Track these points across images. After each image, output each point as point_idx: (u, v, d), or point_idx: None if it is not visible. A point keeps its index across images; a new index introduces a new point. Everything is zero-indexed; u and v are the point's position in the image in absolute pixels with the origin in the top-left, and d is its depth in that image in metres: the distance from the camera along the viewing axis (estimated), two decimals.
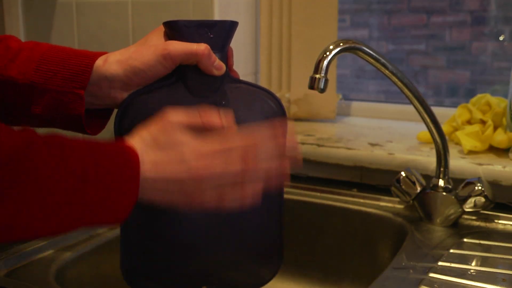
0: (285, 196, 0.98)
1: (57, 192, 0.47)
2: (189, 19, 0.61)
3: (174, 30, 0.60)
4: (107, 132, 0.64)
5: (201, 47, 0.58)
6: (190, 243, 0.62)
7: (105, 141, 0.52)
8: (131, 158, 0.51)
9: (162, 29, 0.62)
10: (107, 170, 0.50)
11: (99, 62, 0.60)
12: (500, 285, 0.66)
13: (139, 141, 0.53)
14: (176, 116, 0.54)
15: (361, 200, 0.96)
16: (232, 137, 0.54)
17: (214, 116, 0.55)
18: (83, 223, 0.50)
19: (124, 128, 0.60)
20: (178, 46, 0.59)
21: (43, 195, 0.46)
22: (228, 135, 0.54)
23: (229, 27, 0.61)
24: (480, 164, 0.88)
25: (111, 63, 0.60)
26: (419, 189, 0.85)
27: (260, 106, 0.61)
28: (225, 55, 0.62)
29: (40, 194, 0.46)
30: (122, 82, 0.60)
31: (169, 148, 0.53)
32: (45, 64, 0.61)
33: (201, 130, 0.54)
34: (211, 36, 0.60)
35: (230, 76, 0.62)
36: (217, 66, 0.60)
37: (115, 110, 0.63)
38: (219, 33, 0.61)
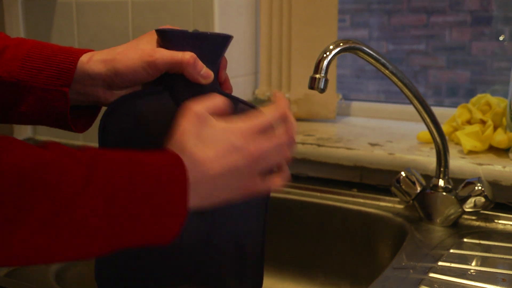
0: (285, 196, 0.99)
1: (84, 213, 0.44)
2: (184, 28, 0.60)
3: (165, 39, 0.59)
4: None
5: (186, 56, 0.57)
6: (165, 256, 0.61)
7: (144, 154, 0.49)
8: (178, 172, 0.48)
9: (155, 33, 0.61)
10: (147, 189, 0.46)
11: (83, 59, 0.60)
12: (500, 285, 0.66)
13: (183, 145, 0.51)
14: (202, 105, 0.53)
15: (361, 200, 0.96)
16: (263, 115, 0.55)
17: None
18: (119, 246, 0.47)
19: (109, 134, 0.59)
20: (164, 55, 0.57)
21: (67, 218, 0.43)
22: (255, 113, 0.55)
23: (221, 41, 0.59)
24: (480, 164, 0.88)
25: (95, 61, 0.59)
26: (419, 189, 0.85)
27: None
28: (217, 68, 0.61)
29: (63, 217, 0.43)
30: (104, 82, 0.59)
31: (216, 140, 0.51)
32: (30, 61, 0.60)
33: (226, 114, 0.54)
34: (202, 48, 0.59)
35: (220, 90, 0.61)
36: (204, 74, 0.58)
37: (103, 108, 0.62)
38: (211, 46, 0.59)
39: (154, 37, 0.61)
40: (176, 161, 0.49)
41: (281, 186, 0.57)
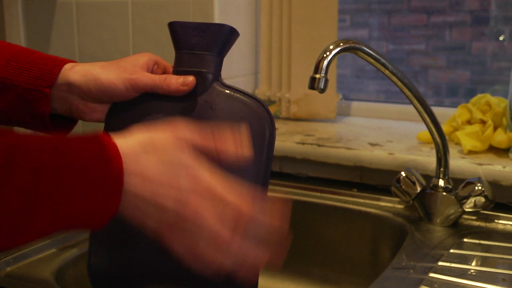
0: (286, 196, 0.99)
1: (6, 206, 0.41)
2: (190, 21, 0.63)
3: (171, 30, 0.63)
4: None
5: (155, 80, 0.60)
6: (157, 249, 0.61)
7: (80, 138, 0.45)
8: (113, 165, 0.44)
9: (140, 56, 0.64)
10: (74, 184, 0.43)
11: (67, 66, 0.62)
12: (500, 285, 0.66)
13: (134, 144, 0.47)
14: (187, 132, 0.49)
15: (361, 200, 0.96)
16: (235, 189, 0.48)
17: (230, 142, 0.50)
18: (48, 231, 0.44)
19: (113, 124, 0.62)
20: (146, 76, 0.60)
21: None
22: (233, 184, 0.48)
23: (224, 30, 0.62)
24: (480, 164, 0.88)
25: (77, 71, 0.61)
26: (419, 189, 0.85)
27: (248, 115, 0.61)
28: (221, 59, 0.63)
29: None
30: (81, 91, 0.61)
31: (167, 166, 0.46)
32: (15, 61, 0.61)
33: (209, 153, 0.49)
34: (205, 37, 0.62)
35: (222, 82, 0.63)
36: (184, 82, 0.60)
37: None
38: (213, 36, 0.62)
39: (136, 58, 0.63)
40: (116, 162, 0.44)
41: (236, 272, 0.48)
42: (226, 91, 0.62)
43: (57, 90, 0.61)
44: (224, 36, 0.62)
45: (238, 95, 0.61)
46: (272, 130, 0.61)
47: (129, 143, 0.47)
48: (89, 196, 0.43)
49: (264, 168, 0.61)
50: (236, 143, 0.50)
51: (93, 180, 0.43)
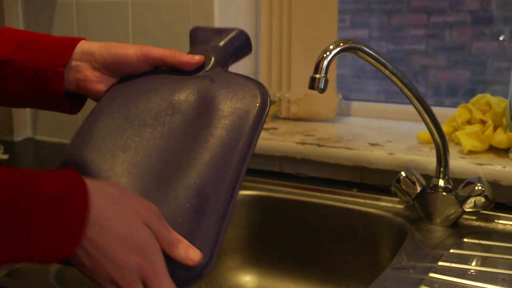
0: (285, 196, 0.99)
1: None
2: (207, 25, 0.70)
3: (190, 36, 0.68)
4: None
5: (166, 51, 0.63)
6: None
7: (54, 173, 0.46)
8: (79, 211, 0.45)
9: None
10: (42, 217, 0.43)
11: (82, 41, 0.64)
12: (500, 285, 0.66)
13: (104, 198, 0.48)
14: (156, 216, 0.51)
15: (361, 200, 0.96)
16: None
17: (185, 243, 0.51)
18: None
19: (113, 92, 0.64)
20: (156, 49, 0.64)
21: None
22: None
23: (238, 33, 0.68)
24: (480, 164, 0.88)
25: (94, 42, 0.64)
26: (419, 189, 0.85)
27: (247, 90, 0.62)
28: (230, 57, 0.67)
29: None
30: (93, 57, 0.63)
31: (126, 221, 0.48)
32: (25, 44, 0.62)
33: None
34: (222, 36, 0.67)
35: (227, 71, 0.65)
36: (193, 57, 0.63)
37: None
38: (227, 35, 0.67)
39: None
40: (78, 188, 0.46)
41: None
42: (229, 73, 0.64)
43: (70, 61, 0.63)
44: (238, 39, 0.67)
45: (240, 77, 0.64)
46: (267, 107, 0.62)
47: (101, 200, 0.47)
48: (52, 229, 0.44)
49: (250, 139, 0.59)
50: (189, 247, 0.51)
51: (60, 216, 0.44)
